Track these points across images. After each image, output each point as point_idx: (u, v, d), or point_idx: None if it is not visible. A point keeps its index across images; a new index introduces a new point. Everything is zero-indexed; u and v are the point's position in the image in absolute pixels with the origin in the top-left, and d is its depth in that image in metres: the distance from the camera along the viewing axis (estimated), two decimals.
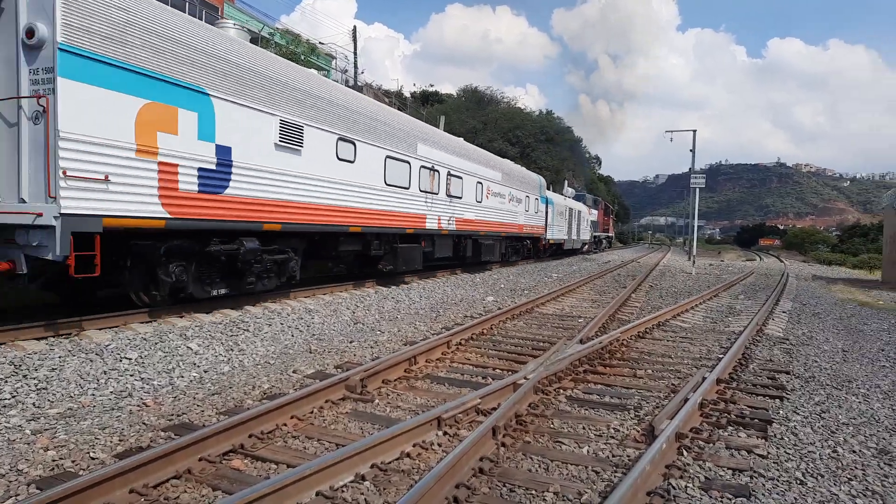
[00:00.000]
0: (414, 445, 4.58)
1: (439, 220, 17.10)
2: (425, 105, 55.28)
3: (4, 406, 5.33)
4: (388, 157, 14.11)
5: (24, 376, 6.01)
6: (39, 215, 6.76)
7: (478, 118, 45.66)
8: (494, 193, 21.99)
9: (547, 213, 30.55)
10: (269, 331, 9.05)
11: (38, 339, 7.20)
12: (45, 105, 6.82)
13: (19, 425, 4.97)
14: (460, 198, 18.57)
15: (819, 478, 4.33)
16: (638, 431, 5.19)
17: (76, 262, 7.08)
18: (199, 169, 8.77)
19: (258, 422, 4.79)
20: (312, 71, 12.79)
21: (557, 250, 35.06)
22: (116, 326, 8.21)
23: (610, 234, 62.51)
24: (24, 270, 7.02)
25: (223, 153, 9.20)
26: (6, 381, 5.82)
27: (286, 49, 24.62)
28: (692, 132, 34.76)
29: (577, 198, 43.49)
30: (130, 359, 6.92)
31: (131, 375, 6.48)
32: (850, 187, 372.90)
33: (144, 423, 5.05)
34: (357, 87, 32.14)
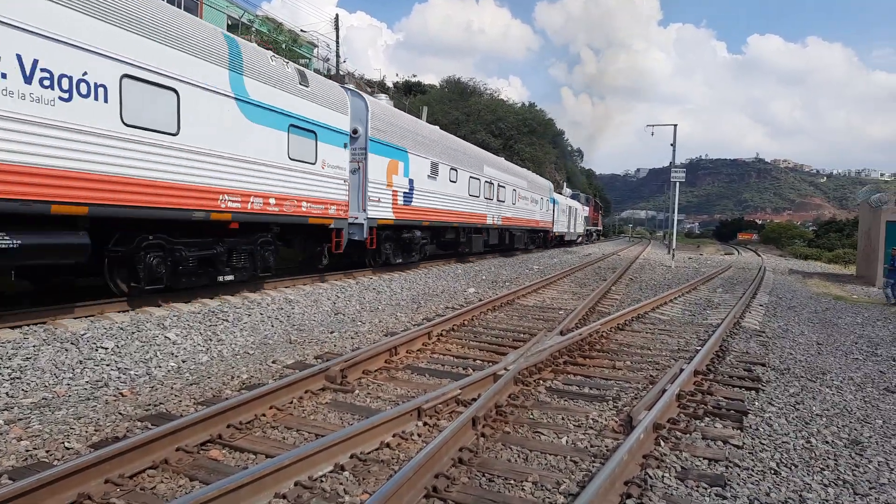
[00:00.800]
0: (394, 436, 4.58)
1: (493, 218, 24.84)
2: (408, 95, 54.94)
3: None
4: (470, 176, 21.97)
5: None
6: (356, 218, 14.42)
7: (461, 109, 45.48)
8: (522, 197, 29.84)
9: (554, 211, 37.17)
10: (248, 321, 8.98)
11: (11, 327, 7.07)
12: (360, 167, 14.64)
13: None
14: (504, 202, 26.51)
15: (793, 467, 4.41)
16: (616, 422, 5.23)
17: (370, 241, 14.71)
18: (404, 192, 16.53)
19: (236, 412, 4.76)
20: (436, 127, 20.96)
21: (560, 241, 40.46)
22: (92, 315, 8.09)
23: (599, 228, 71.76)
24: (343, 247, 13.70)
25: (411, 183, 16.99)
26: None
27: (268, 37, 24.29)
28: (673, 126, 35.05)
29: (573, 196, 50.31)
30: (107, 348, 6.82)
31: (107, 365, 6.39)
32: (827, 183, 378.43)
33: (121, 413, 4.99)
34: (339, 77, 31.86)
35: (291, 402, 5.34)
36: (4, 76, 6.38)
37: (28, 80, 6.62)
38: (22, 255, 6.65)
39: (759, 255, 45.89)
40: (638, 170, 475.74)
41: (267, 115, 10.70)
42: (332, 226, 13.02)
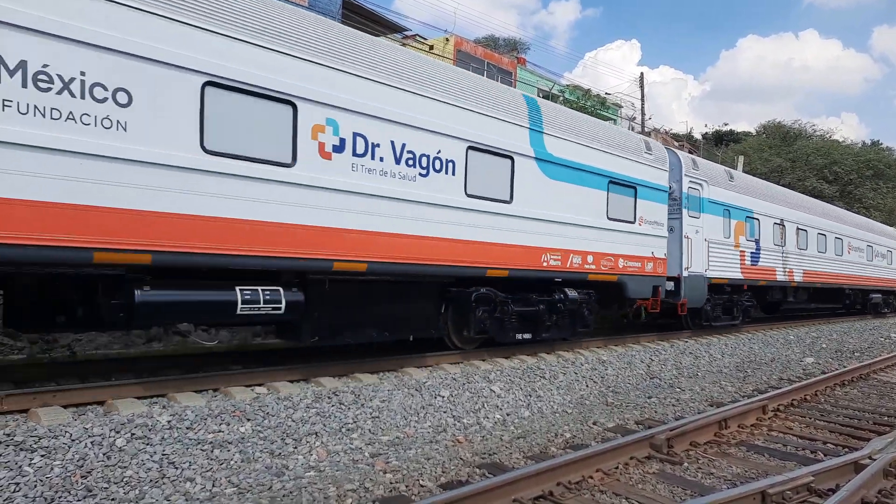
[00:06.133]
0: None
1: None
2: (718, 146, 51.67)
3: (349, 429, 6.22)
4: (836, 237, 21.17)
5: (362, 405, 6.94)
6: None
7: (784, 156, 41.05)
8: None
9: None
10: (563, 379, 9.13)
11: (371, 372, 8.31)
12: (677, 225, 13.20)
13: (360, 447, 5.76)
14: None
15: None
16: None
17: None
18: (751, 252, 15.78)
19: (565, 471, 4.82)
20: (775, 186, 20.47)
21: None
22: (430, 366, 9.08)
23: None
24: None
25: (758, 245, 16.12)
26: (349, 408, 6.79)
27: (576, 104, 25.44)
28: None
29: None
30: (443, 397, 7.56)
31: (444, 412, 7.07)
32: None
33: (461, 459, 5.45)
34: (645, 134, 31.60)
35: (617, 468, 5.22)
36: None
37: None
38: None
39: None
40: None
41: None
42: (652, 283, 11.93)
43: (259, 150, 6.41)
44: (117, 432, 4.98)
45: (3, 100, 4.82)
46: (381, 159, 7.50)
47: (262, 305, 6.50)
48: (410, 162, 7.84)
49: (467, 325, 9.04)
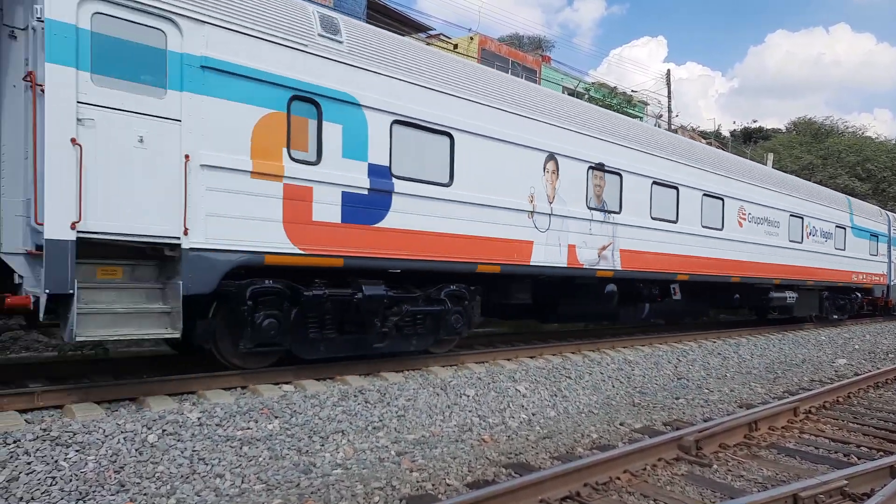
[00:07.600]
0: None
1: None
2: (747, 143, 50.81)
3: (375, 428, 6.25)
4: None
5: (388, 404, 6.97)
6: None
7: (815, 153, 40.15)
8: None
9: None
10: (589, 379, 9.06)
11: (396, 371, 8.35)
12: (886, 256, 21.61)
13: (386, 446, 5.78)
14: None
15: None
16: None
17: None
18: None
19: (592, 471, 4.78)
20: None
21: None
22: (455, 365, 9.09)
23: None
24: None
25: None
26: (375, 406, 6.82)
27: (602, 102, 25.24)
28: None
29: None
30: (468, 396, 7.56)
31: (470, 412, 7.07)
32: None
33: (487, 458, 5.44)
34: (672, 131, 31.23)
35: (645, 469, 5.17)
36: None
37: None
38: None
39: None
40: None
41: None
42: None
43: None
44: (149, 428, 5.07)
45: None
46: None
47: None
48: (813, 234, 16.02)
49: (819, 310, 17.35)
